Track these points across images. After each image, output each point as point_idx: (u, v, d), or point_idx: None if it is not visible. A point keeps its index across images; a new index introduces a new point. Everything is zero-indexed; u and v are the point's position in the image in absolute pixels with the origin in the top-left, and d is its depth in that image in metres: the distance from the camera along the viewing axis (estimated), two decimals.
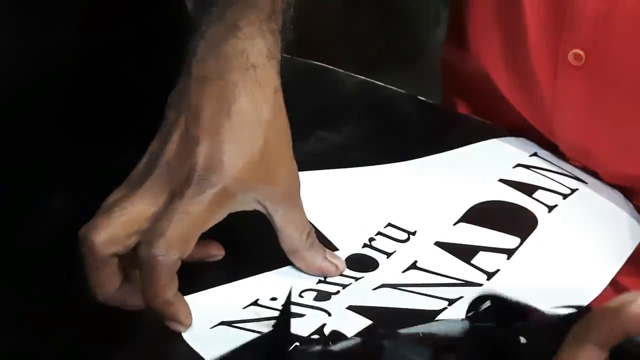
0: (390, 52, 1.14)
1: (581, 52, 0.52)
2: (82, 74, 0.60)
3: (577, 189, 0.53)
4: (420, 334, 0.34)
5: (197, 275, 0.44)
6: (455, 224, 0.48)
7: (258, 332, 0.41)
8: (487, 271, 0.45)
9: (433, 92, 0.70)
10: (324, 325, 0.41)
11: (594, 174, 0.55)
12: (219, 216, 0.42)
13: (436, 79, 0.70)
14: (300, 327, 0.41)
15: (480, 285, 0.44)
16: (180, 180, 0.42)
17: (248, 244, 0.47)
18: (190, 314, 0.41)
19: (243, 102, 0.43)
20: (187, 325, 0.41)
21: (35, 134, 0.55)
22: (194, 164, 0.41)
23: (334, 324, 0.41)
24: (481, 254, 0.46)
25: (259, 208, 0.44)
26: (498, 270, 0.45)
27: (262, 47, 0.44)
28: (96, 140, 0.55)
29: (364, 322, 0.42)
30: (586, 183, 0.54)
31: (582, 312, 0.32)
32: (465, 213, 0.49)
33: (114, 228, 0.40)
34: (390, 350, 0.33)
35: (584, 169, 0.55)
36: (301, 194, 0.45)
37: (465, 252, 0.46)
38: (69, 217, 0.48)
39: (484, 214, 0.49)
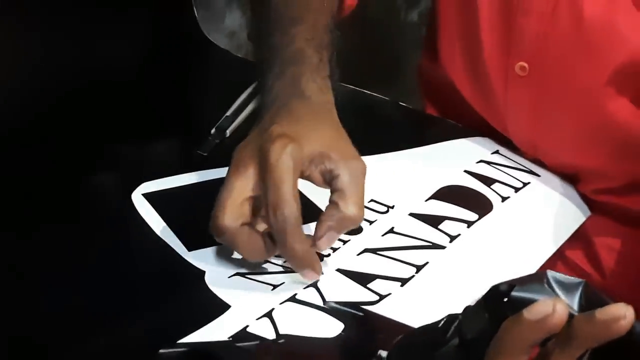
0: (377, 67, 1.22)
1: (526, 65, 0.58)
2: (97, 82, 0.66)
3: (529, 182, 0.60)
4: None
5: None
6: (426, 200, 0.56)
7: (265, 282, 0.49)
8: (450, 235, 0.53)
9: (412, 99, 0.79)
10: (317, 281, 0.49)
11: (544, 165, 0.62)
12: (297, 173, 0.48)
13: (415, 88, 0.79)
14: (298, 281, 0.49)
15: (443, 247, 0.52)
16: (258, 152, 0.48)
17: None
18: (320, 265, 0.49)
19: (303, 113, 0.51)
20: (319, 273, 0.48)
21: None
22: (269, 133, 0.49)
23: (325, 282, 0.49)
24: (446, 222, 0.54)
25: (324, 180, 0.49)
26: (459, 234, 0.53)
27: (314, 87, 0.53)
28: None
29: (349, 284, 0.49)
30: (539, 176, 0.61)
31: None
32: (435, 192, 0.57)
33: (229, 207, 0.47)
34: None
35: (535, 161, 0.62)
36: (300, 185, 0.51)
37: (433, 220, 0.54)
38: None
39: (450, 194, 0.57)
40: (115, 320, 0.47)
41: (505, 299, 0.35)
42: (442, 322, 0.38)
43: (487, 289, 0.37)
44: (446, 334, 0.37)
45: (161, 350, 0.43)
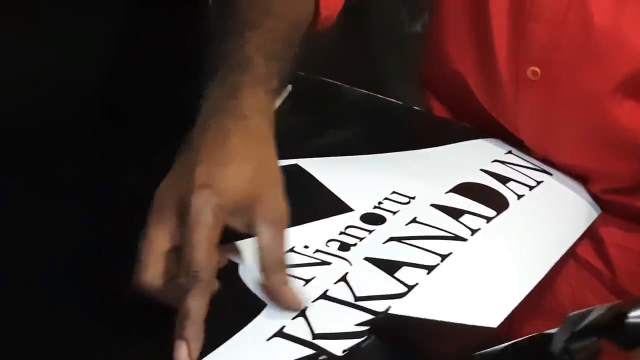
0: (380, 77, 1.24)
1: (537, 69, 0.61)
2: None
3: (542, 181, 0.63)
4: None
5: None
6: (446, 193, 0.59)
7: (297, 277, 0.49)
8: (471, 228, 0.55)
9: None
10: (346, 273, 0.51)
11: (554, 165, 0.65)
12: (218, 231, 0.45)
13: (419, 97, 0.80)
14: (328, 274, 0.51)
15: (465, 240, 0.54)
16: (179, 203, 0.45)
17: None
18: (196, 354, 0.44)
19: (234, 141, 0.48)
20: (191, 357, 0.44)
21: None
22: (191, 183, 0.45)
23: (354, 273, 0.51)
24: (466, 215, 0.56)
25: (248, 229, 0.47)
26: (479, 229, 0.55)
27: (253, 104, 0.50)
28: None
29: (378, 273, 0.51)
30: (551, 175, 0.64)
31: None
32: (454, 187, 0.59)
33: (152, 263, 0.45)
34: None
35: (545, 161, 0.65)
36: (322, 183, 0.54)
37: (454, 213, 0.56)
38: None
39: (468, 189, 0.59)
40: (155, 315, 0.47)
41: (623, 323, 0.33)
42: (534, 340, 0.37)
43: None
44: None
45: None
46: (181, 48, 0.74)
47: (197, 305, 0.44)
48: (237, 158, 0.47)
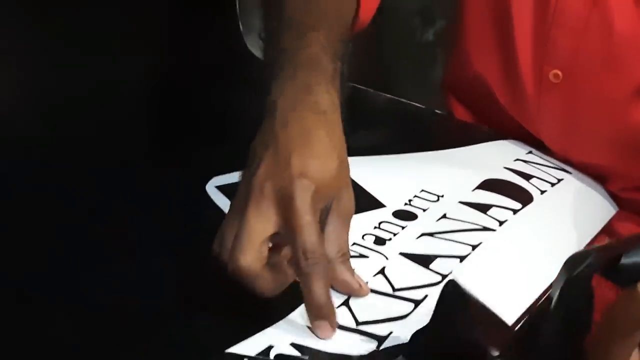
0: (393, 85, 1.28)
1: (559, 72, 0.64)
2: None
3: (562, 179, 0.65)
4: None
5: None
6: (473, 190, 0.61)
7: None
8: (499, 220, 0.58)
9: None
10: (384, 267, 0.54)
11: (573, 165, 0.68)
12: (318, 217, 0.48)
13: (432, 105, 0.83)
14: (366, 267, 0.53)
15: (494, 230, 0.57)
16: (279, 192, 0.47)
17: None
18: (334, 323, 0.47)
19: (320, 134, 0.50)
20: (334, 328, 0.47)
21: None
22: (290, 172, 0.47)
23: (391, 267, 0.53)
24: (494, 208, 0.59)
25: (319, 217, 0.49)
26: (507, 220, 0.58)
27: (329, 101, 0.51)
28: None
29: (414, 267, 0.53)
30: (570, 173, 0.67)
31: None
32: (480, 184, 0.62)
33: (253, 249, 0.47)
34: None
35: (565, 161, 0.68)
36: (355, 180, 0.53)
37: (481, 207, 0.59)
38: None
39: (494, 186, 0.62)
40: (197, 302, 0.50)
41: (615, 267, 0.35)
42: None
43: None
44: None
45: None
46: (210, 52, 0.77)
47: (322, 287, 0.47)
48: (325, 152, 0.49)
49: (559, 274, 0.39)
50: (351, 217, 0.50)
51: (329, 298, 0.47)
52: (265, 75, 0.53)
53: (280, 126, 0.50)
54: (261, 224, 0.47)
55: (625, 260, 0.36)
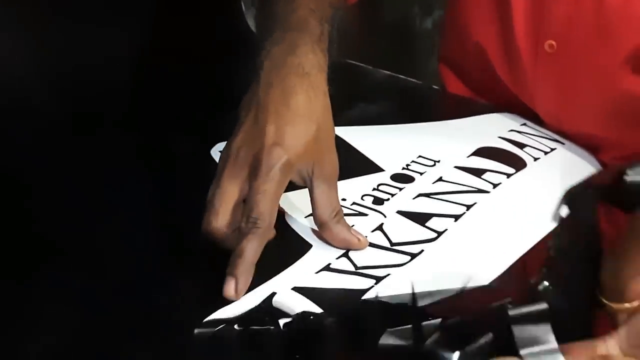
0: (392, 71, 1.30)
1: (554, 43, 0.65)
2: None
3: (555, 148, 0.67)
4: None
5: None
6: (468, 157, 0.64)
7: None
8: (493, 183, 0.60)
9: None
10: (382, 224, 0.56)
11: (566, 137, 0.69)
12: (284, 186, 0.50)
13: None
14: (365, 224, 0.55)
15: (488, 192, 0.59)
16: (252, 158, 0.49)
17: None
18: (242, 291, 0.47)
19: (299, 98, 0.51)
20: (237, 297, 0.47)
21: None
22: (263, 140, 0.49)
23: (389, 224, 0.56)
24: (488, 173, 0.61)
25: (304, 183, 0.52)
26: (500, 183, 0.60)
27: (314, 61, 0.52)
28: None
29: (410, 224, 0.55)
30: (563, 144, 0.69)
31: None
32: (475, 151, 0.64)
33: (224, 212, 0.49)
34: None
35: (559, 133, 0.69)
36: (355, 147, 0.59)
37: (477, 172, 0.61)
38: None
39: (488, 152, 0.64)
40: (205, 255, 0.51)
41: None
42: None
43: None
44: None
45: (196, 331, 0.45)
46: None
47: (251, 248, 0.48)
48: (303, 117, 0.51)
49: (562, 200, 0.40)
50: (336, 178, 0.52)
51: (252, 262, 0.48)
52: (257, 39, 0.55)
53: (263, 89, 0.51)
54: (232, 188, 0.49)
55: (628, 178, 0.36)
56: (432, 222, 0.56)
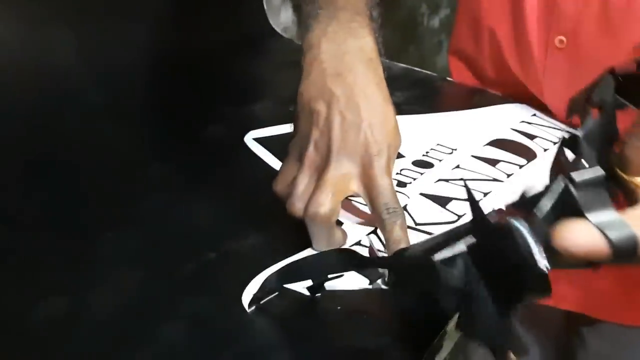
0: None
1: (564, 38, 0.68)
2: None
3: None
4: None
5: None
6: (483, 146, 0.67)
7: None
8: (506, 173, 0.64)
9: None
10: (406, 204, 0.60)
11: (574, 128, 0.74)
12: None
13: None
14: None
15: (502, 181, 0.63)
16: (359, 160, 0.50)
17: None
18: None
19: (372, 87, 0.51)
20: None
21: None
22: (367, 143, 0.50)
23: (413, 204, 0.59)
24: (502, 163, 0.65)
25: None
26: (513, 173, 0.64)
27: (372, 44, 0.52)
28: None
29: (433, 206, 0.59)
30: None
31: None
32: (489, 142, 0.68)
33: (336, 201, 0.50)
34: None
35: (567, 124, 0.72)
36: None
37: (491, 161, 0.65)
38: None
39: (502, 144, 0.68)
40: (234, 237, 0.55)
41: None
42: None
43: None
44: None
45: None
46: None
47: (399, 230, 0.51)
48: (384, 110, 0.51)
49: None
50: (395, 151, 0.53)
51: (406, 236, 0.51)
52: (302, 14, 0.53)
53: (335, 81, 0.50)
54: (344, 183, 0.50)
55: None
56: (452, 205, 0.60)
